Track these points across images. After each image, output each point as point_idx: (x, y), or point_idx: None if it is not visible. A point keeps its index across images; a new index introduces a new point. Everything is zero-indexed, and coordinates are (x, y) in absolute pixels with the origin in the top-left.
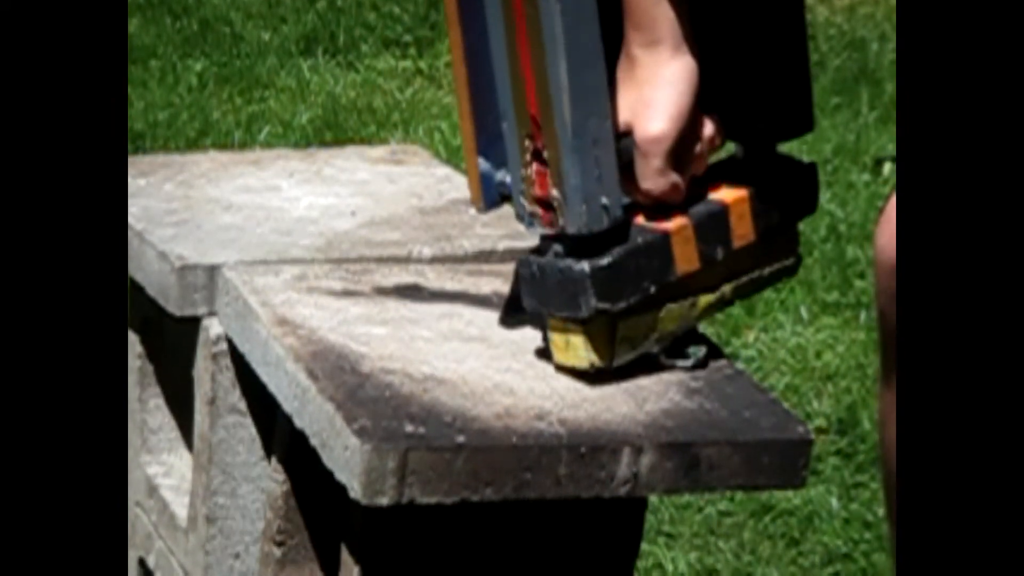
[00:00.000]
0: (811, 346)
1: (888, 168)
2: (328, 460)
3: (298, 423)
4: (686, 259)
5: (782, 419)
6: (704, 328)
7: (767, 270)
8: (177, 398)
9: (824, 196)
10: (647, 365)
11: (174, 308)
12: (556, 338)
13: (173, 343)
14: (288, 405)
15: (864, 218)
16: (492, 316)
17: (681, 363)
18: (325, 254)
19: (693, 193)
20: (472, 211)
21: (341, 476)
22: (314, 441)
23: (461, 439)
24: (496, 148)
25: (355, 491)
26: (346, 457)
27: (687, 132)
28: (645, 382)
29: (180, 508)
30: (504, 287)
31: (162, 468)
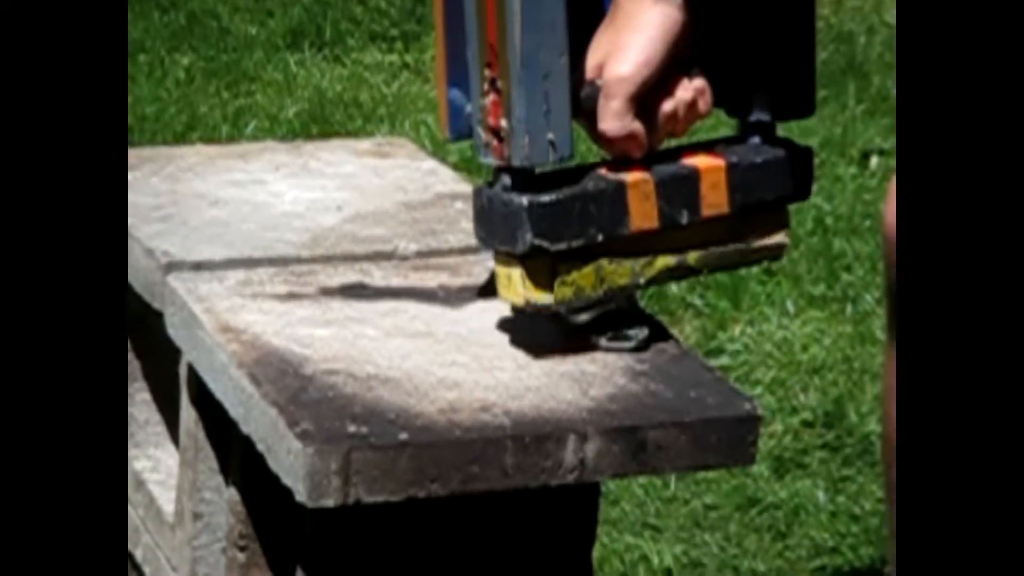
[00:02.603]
0: (797, 339)
1: (875, 161)
2: (274, 465)
3: (244, 429)
4: (643, 215)
5: (728, 397)
6: (690, 321)
7: (743, 247)
8: (163, 393)
9: None
10: (591, 351)
11: (160, 304)
12: (499, 272)
13: (160, 339)
14: (234, 411)
15: (851, 211)
16: (438, 310)
17: (622, 345)
18: (311, 250)
19: (667, 156)
20: (458, 205)
21: (287, 480)
22: (260, 446)
23: (404, 436)
24: (467, 78)
25: (300, 494)
26: (290, 461)
27: (657, 84)
28: (590, 368)
29: (167, 503)
30: (450, 280)
31: (149, 463)
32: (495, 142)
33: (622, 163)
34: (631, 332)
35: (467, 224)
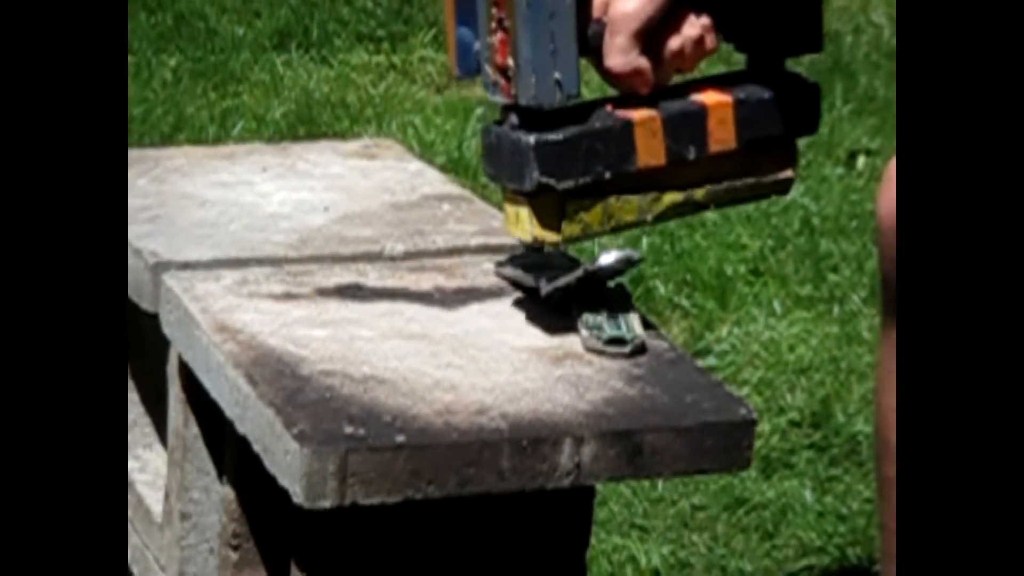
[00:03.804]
0: (784, 340)
1: (862, 161)
2: (270, 465)
3: (240, 429)
4: (650, 152)
5: (724, 401)
6: (677, 322)
7: (750, 181)
8: (151, 394)
9: (797, 189)
10: (587, 354)
11: (148, 305)
12: (508, 209)
13: (147, 339)
14: (230, 411)
15: (838, 211)
16: (433, 312)
17: (618, 349)
18: (298, 251)
19: (675, 92)
20: (445, 206)
21: (284, 481)
22: (256, 447)
23: (401, 438)
24: (475, 17)
25: (297, 495)
26: (287, 462)
27: (663, 20)
28: (586, 371)
29: (155, 503)
30: (446, 282)
31: (137, 463)
32: (503, 81)
33: (629, 100)
34: (627, 335)
35: (455, 225)
